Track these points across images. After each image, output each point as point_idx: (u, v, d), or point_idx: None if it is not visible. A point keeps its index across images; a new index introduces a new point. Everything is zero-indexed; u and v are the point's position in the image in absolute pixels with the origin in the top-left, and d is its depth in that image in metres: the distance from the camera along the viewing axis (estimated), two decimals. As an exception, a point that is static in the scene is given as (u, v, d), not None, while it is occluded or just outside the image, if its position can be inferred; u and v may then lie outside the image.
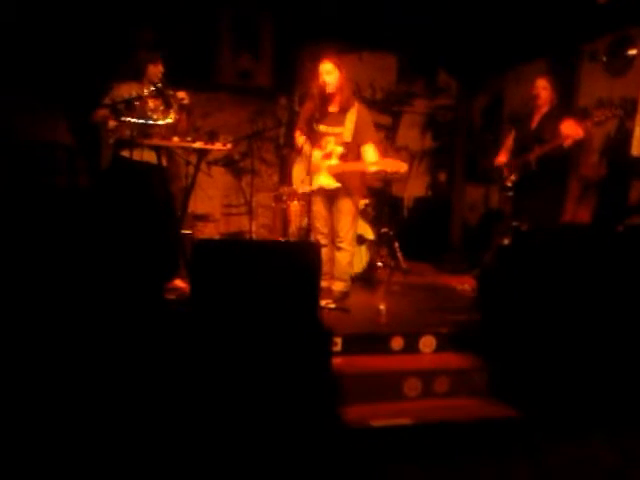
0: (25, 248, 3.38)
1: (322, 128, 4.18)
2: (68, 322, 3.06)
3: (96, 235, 3.63)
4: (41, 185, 4.86)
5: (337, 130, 4.14)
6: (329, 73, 4.04)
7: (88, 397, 2.83)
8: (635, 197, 5.04)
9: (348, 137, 4.11)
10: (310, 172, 4.02)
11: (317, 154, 4.17)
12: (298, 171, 4.38)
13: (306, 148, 4.18)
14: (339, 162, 4.14)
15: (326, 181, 4.14)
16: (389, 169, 3.86)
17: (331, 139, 4.17)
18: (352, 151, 4.14)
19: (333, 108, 4.17)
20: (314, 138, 4.15)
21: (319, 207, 4.25)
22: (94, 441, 2.69)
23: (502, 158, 4.91)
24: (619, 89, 5.30)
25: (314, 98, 4.12)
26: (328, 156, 4.17)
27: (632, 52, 5.18)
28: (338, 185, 4.14)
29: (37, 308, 3.08)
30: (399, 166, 3.84)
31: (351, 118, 4.12)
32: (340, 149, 4.13)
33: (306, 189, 4.13)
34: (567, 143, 4.37)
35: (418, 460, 2.90)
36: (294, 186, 4.51)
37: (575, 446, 3.04)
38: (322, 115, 4.16)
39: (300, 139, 4.30)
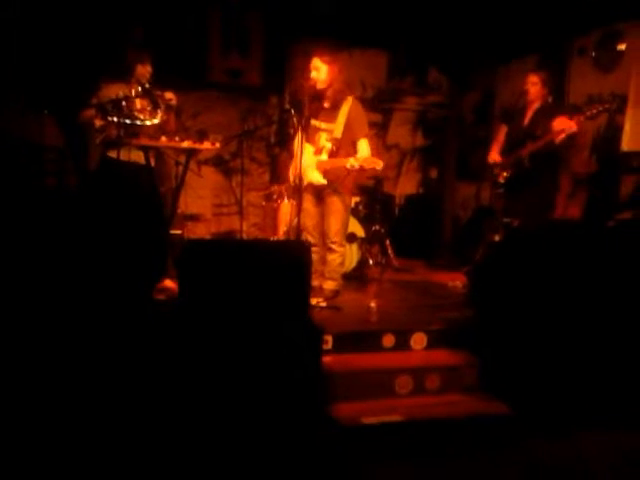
0: (13, 249, 3.36)
1: (315, 123, 4.19)
2: (56, 323, 3.04)
3: (85, 236, 3.61)
4: (30, 187, 4.83)
5: (329, 126, 4.15)
6: (317, 69, 4.05)
7: (76, 396, 2.81)
8: (625, 192, 5.05)
9: (338, 133, 4.12)
10: (301, 167, 4.01)
11: (309, 149, 4.17)
12: (295, 166, 4.39)
13: (297, 143, 4.17)
14: (327, 158, 4.14)
15: (315, 177, 4.14)
16: (366, 165, 3.87)
17: (323, 134, 4.18)
18: (344, 147, 4.14)
19: (326, 104, 4.17)
20: (308, 133, 4.15)
21: (308, 205, 4.23)
22: (81, 438, 2.67)
23: (495, 155, 4.90)
24: (609, 84, 5.31)
25: (305, 95, 4.12)
26: (319, 152, 4.18)
27: (621, 47, 5.18)
28: (324, 182, 4.13)
29: (24, 309, 3.06)
30: (375, 163, 3.86)
31: (343, 113, 4.11)
32: (329, 145, 4.13)
33: (297, 182, 4.12)
34: (559, 138, 4.36)
35: (409, 457, 2.89)
36: (290, 178, 4.49)
37: (565, 443, 3.04)
38: (316, 110, 4.17)
39: None
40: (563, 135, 4.34)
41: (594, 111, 4.31)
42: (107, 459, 2.63)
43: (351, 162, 3.89)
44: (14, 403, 2.77)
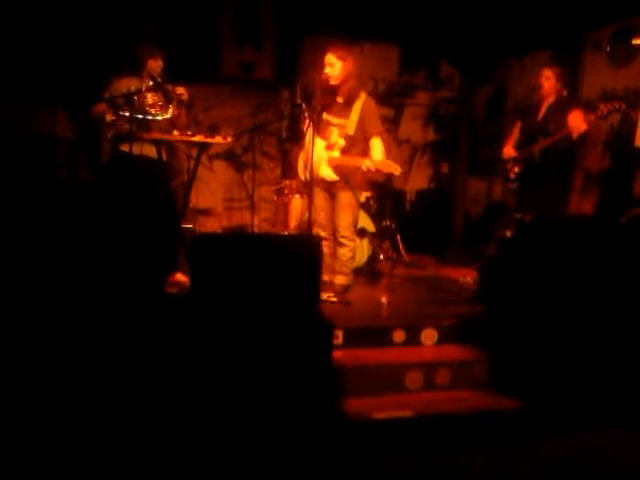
0: (28, 241, 3.39)
1: (328, 118, 4.15)
2: (69, 316, 3.06)
3: (97, 229, 3.63)
4: (43, 180, 4.87)
5: (341, 122, 4.11)
6: (332, 65, 4.00)
7: (87, 391, 2.83)
8: (639, 188, 5.00)
9: (351, 130, 4.07)
10: (312, 161, 3.97)
11: (321, 144, 4.14)
12: (304, 159, 4.38)
13: (309, 136, 4.15)
14: (340, 155, 4.11)
15: (326, 172, 4.12)
16: (384, 169, 3.83)
17: (335, 130, 4.14)
18: (357, 144, 4.10)
19: (339, 98, 4.13)
20: (320, 126, 4.11)
21: (319, 199, 4.20)
22: (91, 433, 2.69)
23: (509, 150, 4.88)
24: (623, 80, 5.26)
25: (318, 90, 4.10)
26: (331, 147, 4.15)
27: (636, 41, 5.13)
28: (336, 178, 4.11)
29: (38, 302, 3.08)
30: (393, 168, 3.78)
31: (356, 110, 4.07)
32: (342, 142, 4.10)
33: (307, 177, 4.10)
34: (572, 136, 4.33)
35: (420, 452, 2.89)
36: (299, 172, 4.47)
37: (576, 438, 3.03)
38: (329, 104, 4.13)
39: None
40: (575, 133, 4.31)
41: (605, 111, 4.27)
42: (123, 443, 2.66)
43: (367, 164, 3.84)
44: (22, 389, 2.80)
